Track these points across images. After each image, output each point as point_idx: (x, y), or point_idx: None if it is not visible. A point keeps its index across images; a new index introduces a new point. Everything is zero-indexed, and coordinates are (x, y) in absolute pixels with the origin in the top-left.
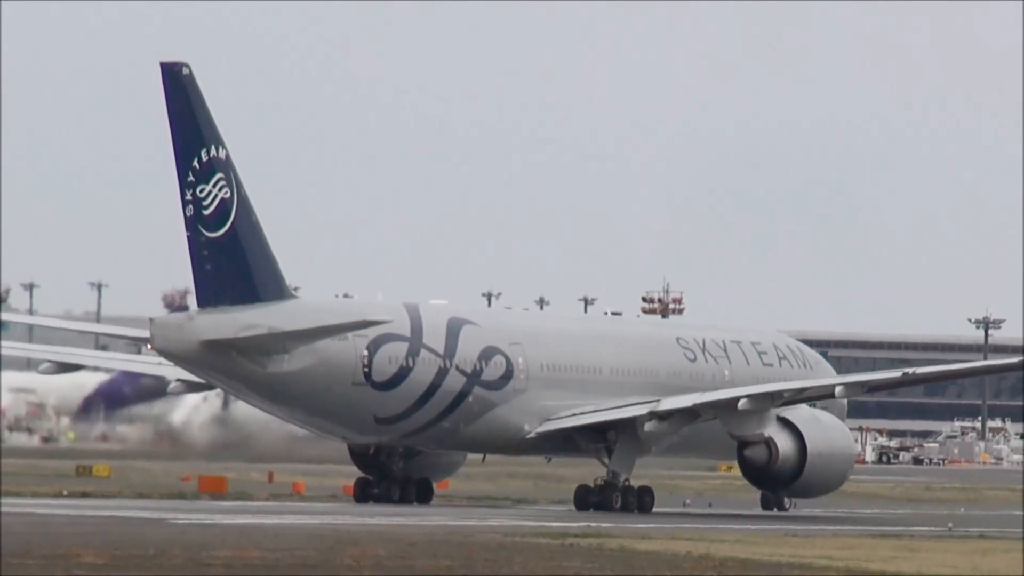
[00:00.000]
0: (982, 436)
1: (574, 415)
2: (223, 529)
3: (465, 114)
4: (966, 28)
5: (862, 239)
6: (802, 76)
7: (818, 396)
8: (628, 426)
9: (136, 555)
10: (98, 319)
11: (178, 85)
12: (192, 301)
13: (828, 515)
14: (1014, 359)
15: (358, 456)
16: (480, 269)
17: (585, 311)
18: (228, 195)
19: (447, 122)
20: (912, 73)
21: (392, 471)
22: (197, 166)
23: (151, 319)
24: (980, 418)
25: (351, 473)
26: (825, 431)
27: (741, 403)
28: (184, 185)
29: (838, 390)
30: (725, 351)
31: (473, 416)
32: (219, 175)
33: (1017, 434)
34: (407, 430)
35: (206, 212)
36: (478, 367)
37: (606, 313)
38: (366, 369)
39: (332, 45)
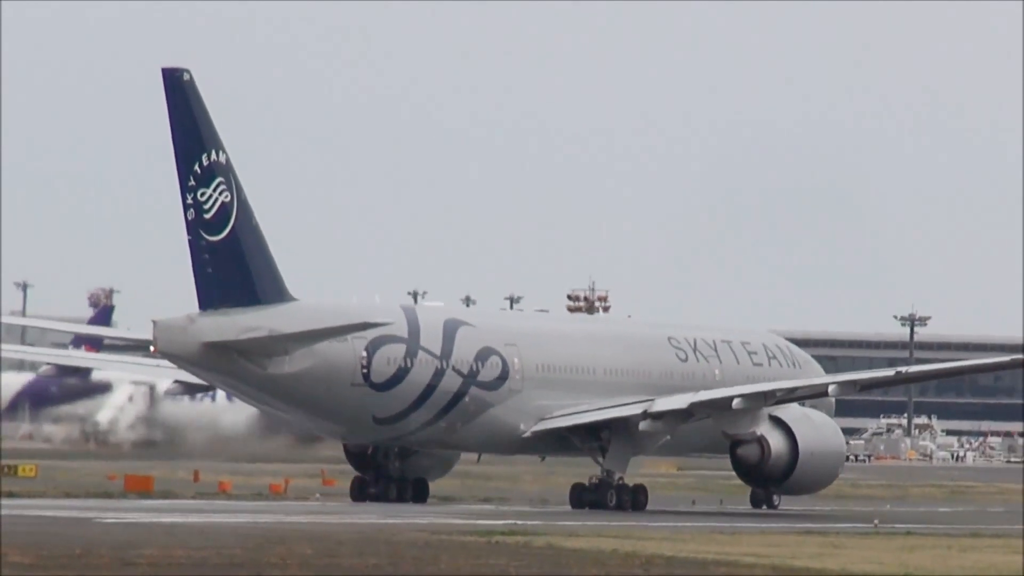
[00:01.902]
0: (908, 433)
1: (569, 415)
2: (149, 528)
3: (406, 113)
4: (966, 28)
5: (789, 239)
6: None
7: (810, 395)
8: (622, 426)
9: (63, 555)
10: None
11: (179, 90)
12: (117, 300)
13: (757, 512)
14: (1005, 357)
15: (355, 456)
16: (406, 267)
17: (511, 308)
18: (228, 199)
19: (385, 121)
20: (913, 73)
21: (389, 471)
22: (198, 170)
23: (154, 321)
24: (906, 415)
25: (276, 472)
26: (816, 429)
27: (735, 402)
28: (185, 189)
29: (831, 389)
30: (716, 351)
31: (469, 416)
32: (219, 179)
33: (943, 431)
34: (405, 430)
35: (207, 216)
36: (474, 368)
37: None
38: (365, 370)
39: (330, 46)
